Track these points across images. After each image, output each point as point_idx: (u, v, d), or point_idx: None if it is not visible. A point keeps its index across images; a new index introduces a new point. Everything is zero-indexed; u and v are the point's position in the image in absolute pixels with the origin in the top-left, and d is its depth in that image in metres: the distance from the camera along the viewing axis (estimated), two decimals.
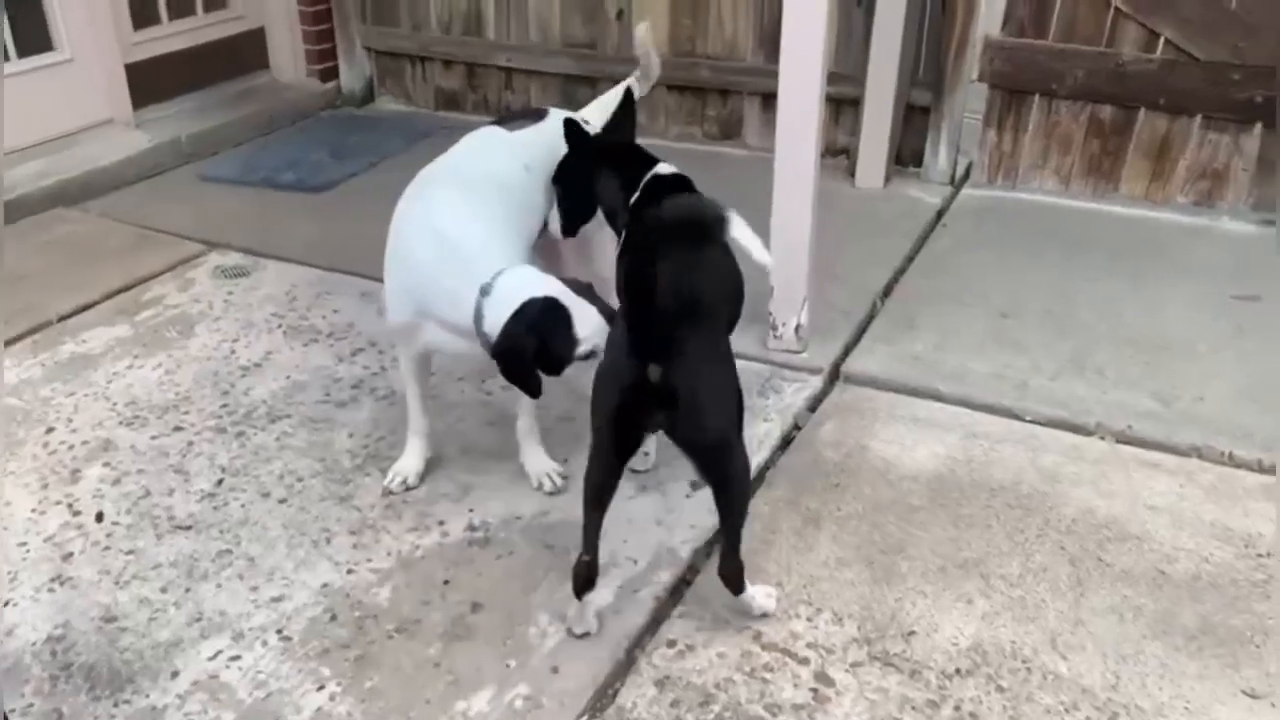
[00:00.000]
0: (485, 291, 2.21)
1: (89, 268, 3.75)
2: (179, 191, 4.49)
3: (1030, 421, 2.86)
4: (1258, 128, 3.84)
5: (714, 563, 2.35)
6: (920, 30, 4.28)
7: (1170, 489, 2.58)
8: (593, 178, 2.54)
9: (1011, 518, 2.51)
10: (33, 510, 2.56)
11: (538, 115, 2.79)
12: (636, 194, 2.46)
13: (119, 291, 3.61)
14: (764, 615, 2.22)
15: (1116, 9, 3.87)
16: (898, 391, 2.98)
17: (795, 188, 2.95)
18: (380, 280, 2.49)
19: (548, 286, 2.22)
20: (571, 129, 2.53)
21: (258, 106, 5.22)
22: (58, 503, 2.58)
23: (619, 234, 2.53)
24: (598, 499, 2.05)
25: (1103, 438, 2.79)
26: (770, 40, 4.58)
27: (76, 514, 2.55)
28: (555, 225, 2.63)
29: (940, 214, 4.14)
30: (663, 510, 2.54)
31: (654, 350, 1.88)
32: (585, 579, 2.09)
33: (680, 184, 2.47)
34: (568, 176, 2.57)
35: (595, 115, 2.90)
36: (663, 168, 2.51)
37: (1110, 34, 3.92)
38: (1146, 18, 3.84)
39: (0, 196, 3.71)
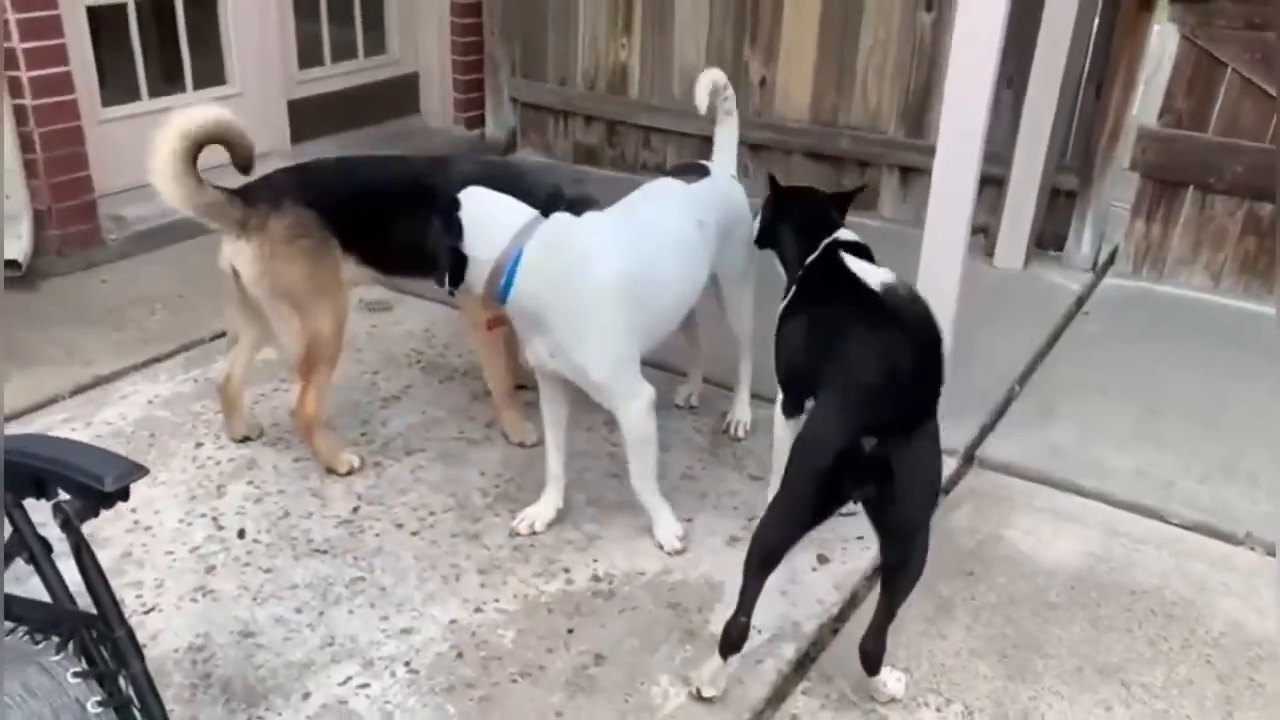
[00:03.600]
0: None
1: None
2: None
3: (1175, 525, 2.75)
4: None
5: (839, 640, 2.33)
6: (1071, 114, 4.23)
7: None
8: (778, 223, 2.65)
9: (1154, 624, 2.40)
10: (180, 520, 2.66)
11: (702, 170, 2.84)
12: (816, 254, 2.49)
13: None
14: (891, 700, 2.17)
15: None
16: (1035, 481, 2.90)
17: (943, 266, 2.92)
18: None
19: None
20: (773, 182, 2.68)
21: (406, 148, 5.38)
22: (203, 515, 2.68)
23: (787, 290, 2.57)
24: (769, 561, 2.05)
25: (1253, 549, 2.67)
26: (913, 114, 4.60)
27: (220, 528, 2.64)
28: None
29: (1081, 301, 4.05)
30: (787, 581, 2.51)
31: (884, 425, 1.89)
32: (737, 641, 2.08)
33: (860, 251, 2.44)
34: (764, 210, 2.72)
35: (723, 161, 2.97)
36: (844, 233, 2.53)
37: (1276, 130, 3.81)
38: None
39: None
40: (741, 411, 3.12)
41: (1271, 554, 2.64)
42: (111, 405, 3.17)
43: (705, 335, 3.15)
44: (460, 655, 2.26)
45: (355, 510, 2.73)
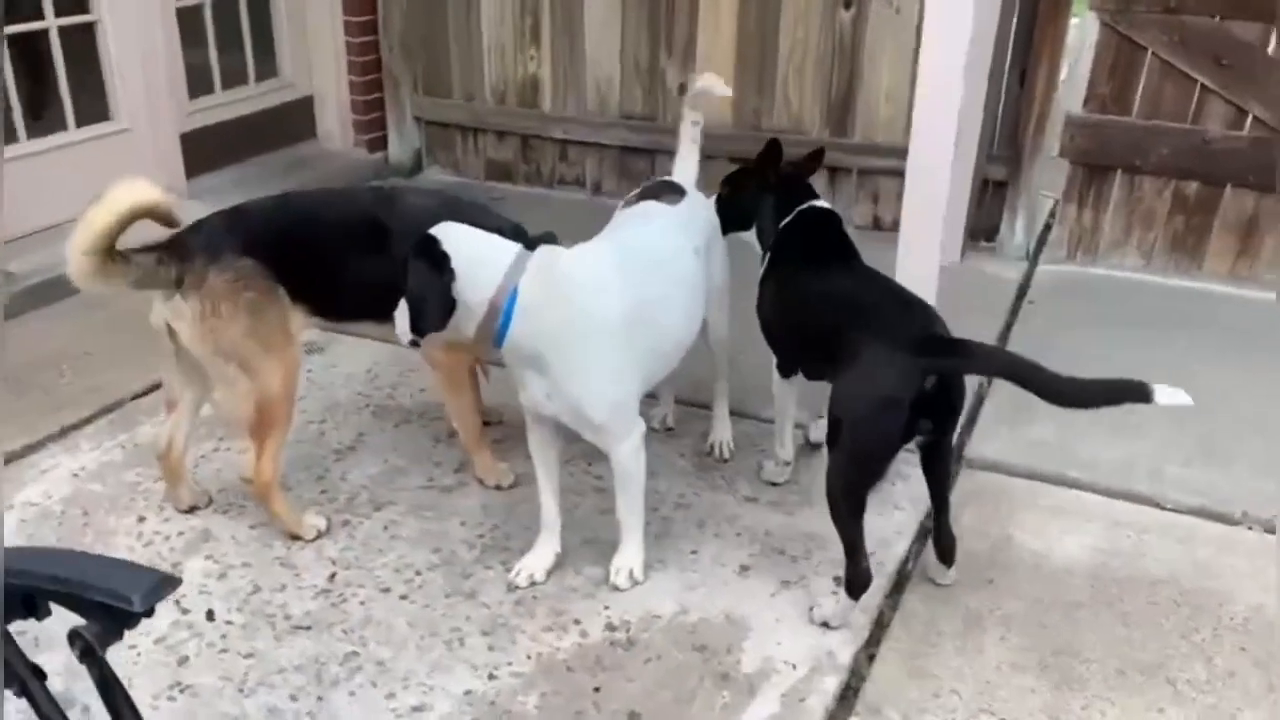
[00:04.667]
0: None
1: (157, 346, 3.59)
2: None
3: (1172, 510, 2.75)
4: None
5: (879, 667, 2.23)
6: (996, 105, 4.26)
7: None
8: (757, 197, 2.68)
9: (1180, 615, 2.38)
10: None
11: (676, 189, 2.71)
12: (789, 218, 2.61)
13: None
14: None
15: (1203, 86, 3.85)
16: (1027, 478, 2.87)
17: (920, 267, 2.87)
18: None
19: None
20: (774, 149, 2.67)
21: (306, 176, 5.09)
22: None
23: (762, 258, 2.68)
24: (860, 506, 2.22)
25: (1250, 528, 2.68)
26: (836, 113, 4.57)
27: (185, 611, 2.38)
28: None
29: (1022, 290, 4.07)
30: (808, 606, 2.40)
31: (940, 364, 2.14)
32: (866, 582, 2.26)
33: (829, 218, 2.61)
34: (733, 191, 2.75)
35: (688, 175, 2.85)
36: (819, 203, 2.65)
37: (1196, 111, 3.90)
38: (1234, 95, 3.82)
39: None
40: (723, 431, 2.99)
41: (1270, 532, 2.66)
42: (31, 484, 2.84)
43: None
44: None
45: (332, 577, 2.50)
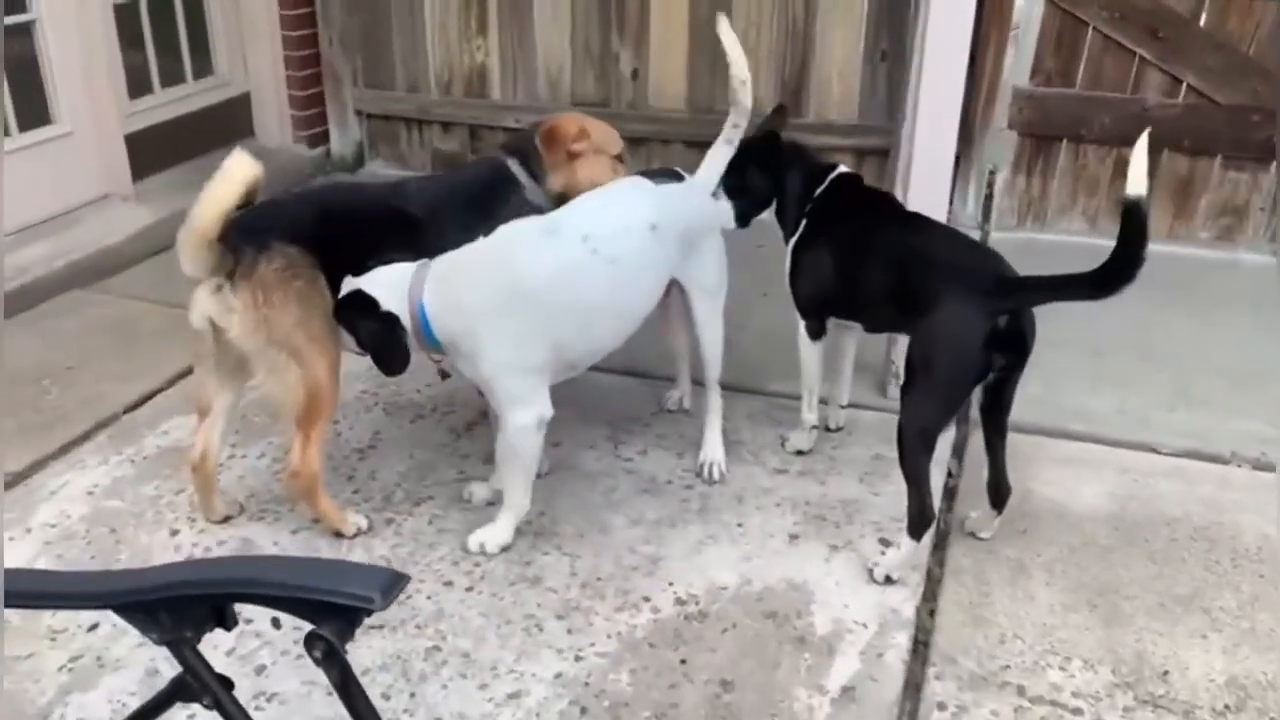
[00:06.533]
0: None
1: (138, 353, 3.48)
2: None
3: (1168, 454, 2.95)
4: (1274, 166, 4.10)
5: (942, 619, 2.34)
6: None
7: None
8: (777, 173, 2.76)
9: (1199, 550, 2.57)
10: None
11: (674, 175, 2.76)
12: (824, 186, 2.72)
13: (182, 376, 3.35)
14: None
15: (1141, 58, 4.09)
16: (1033, 433, 3.01)
17: None
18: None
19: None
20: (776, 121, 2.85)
21: None
22: None
23: (794, 226, 2.75)
24: (931, 445, 2.36)
25: (1240, 465, 2.90)
26: (790, 95, 4.67)
27: (249, 621, 2.32)
28: (729, 220, 2.80)
29: None
30: (862, 568, 2.50)
31: (1010, 304, 2.28)
32: (930, 520, 2.41)
33: (859, 180, 2.78)
34: (742, 172, 2.77)
35: (706, 174, 2.87)
36: (843, 168, 2.77)
37: (1135, 81, 4.14)
38: (1170, 65, 4.07)
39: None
40: (714, 450, 2.86)
41: (1258, 469, 2.88)
42: (43, 504, 2.74)
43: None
44: (585, 710, 2.11)
45: None
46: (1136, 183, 2.08)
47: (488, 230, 2.47)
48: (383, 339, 2.40)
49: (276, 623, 2.31)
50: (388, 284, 2.39)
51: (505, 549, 2.54)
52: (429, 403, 3.21)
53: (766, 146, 2.79)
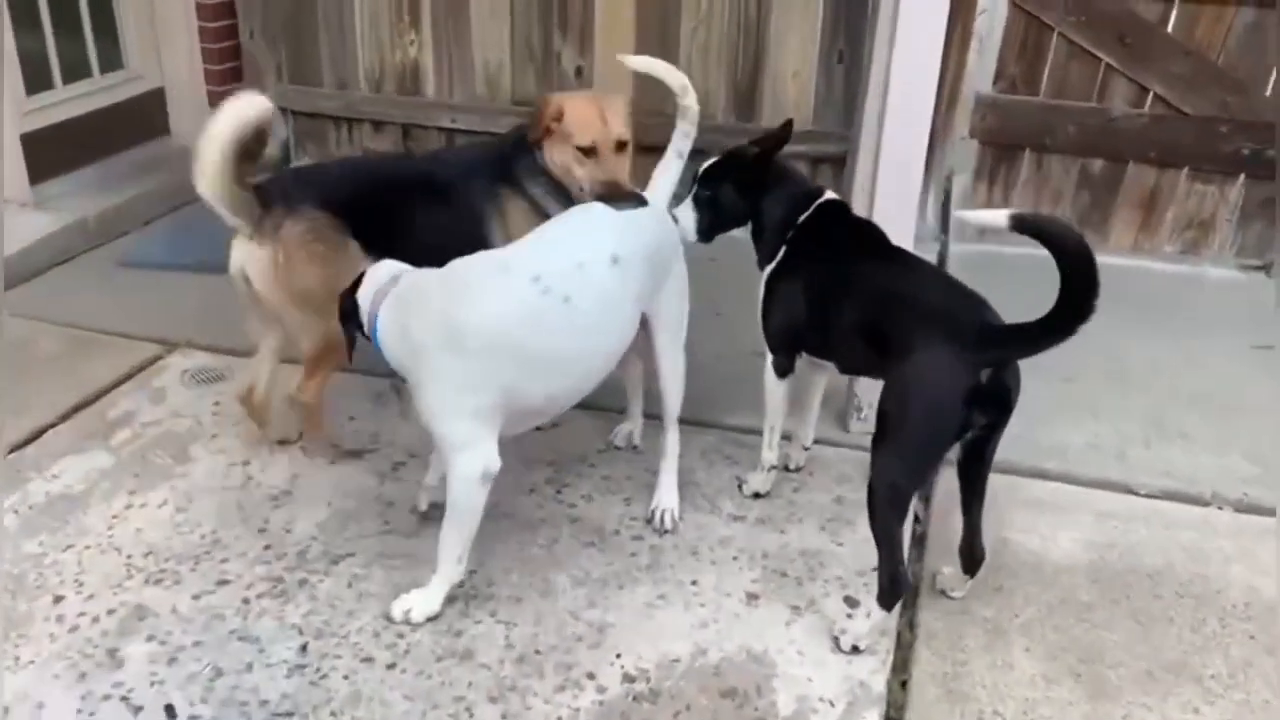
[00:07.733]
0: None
1: (28, 382, 3.16)
2: (100, 280, 3.91)
3: (1146, 496, 2.78)
4: (1241, 178, 3.97)
5: (913, 694, 2.15)
6: None
7: None
8: (758, 192, 2.53)
9: (1185, 608, 2.39)
10: (79, 711, 2.04)
11: (636, 198, 2.51)
12: (809, 213, 2.49)
13: (78, 409, 3.05)
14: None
15: (1107, 65, 3.93)
16: (1006, 472, 2.81)
17: None
18: (383, 375, 2.68)
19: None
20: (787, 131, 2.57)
21: (163, 177, 4.59)
22: (107, 697, 2.08)
23: (771, 253, 2.52)
24: (905, 508, 2.16)
25: (1221, 508, 2.74)
26: (743, 95, 4.45)
27: (138, 709, 2.06)
28: (689, 233, 2.58)
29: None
30: (827, 633, 2.28)
31: (995, 356, 2.08)
32: (905, 588, 2.20)
33: (846, 210, 2.57)
34: (718, 185, 2.56)
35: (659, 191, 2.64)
36: (831, 194, 2.54)
37: (1101, 90, 3.97)
38: (1136, 74, 3.91)
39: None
40: (668, 497, 2.63)
41: (1240, 510, 2.72)
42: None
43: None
44: None
45: (303, 649, 2.21)
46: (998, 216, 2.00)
47: (501, 200, 2.68)
48: (344, 320, 2.31)
49: (170, 710, 2.05)
50: (372, 279, 2.30)
51: (433, 619, 2.28)
52: (352, 440, 2.93)
53: (753, 163, 2.53)
